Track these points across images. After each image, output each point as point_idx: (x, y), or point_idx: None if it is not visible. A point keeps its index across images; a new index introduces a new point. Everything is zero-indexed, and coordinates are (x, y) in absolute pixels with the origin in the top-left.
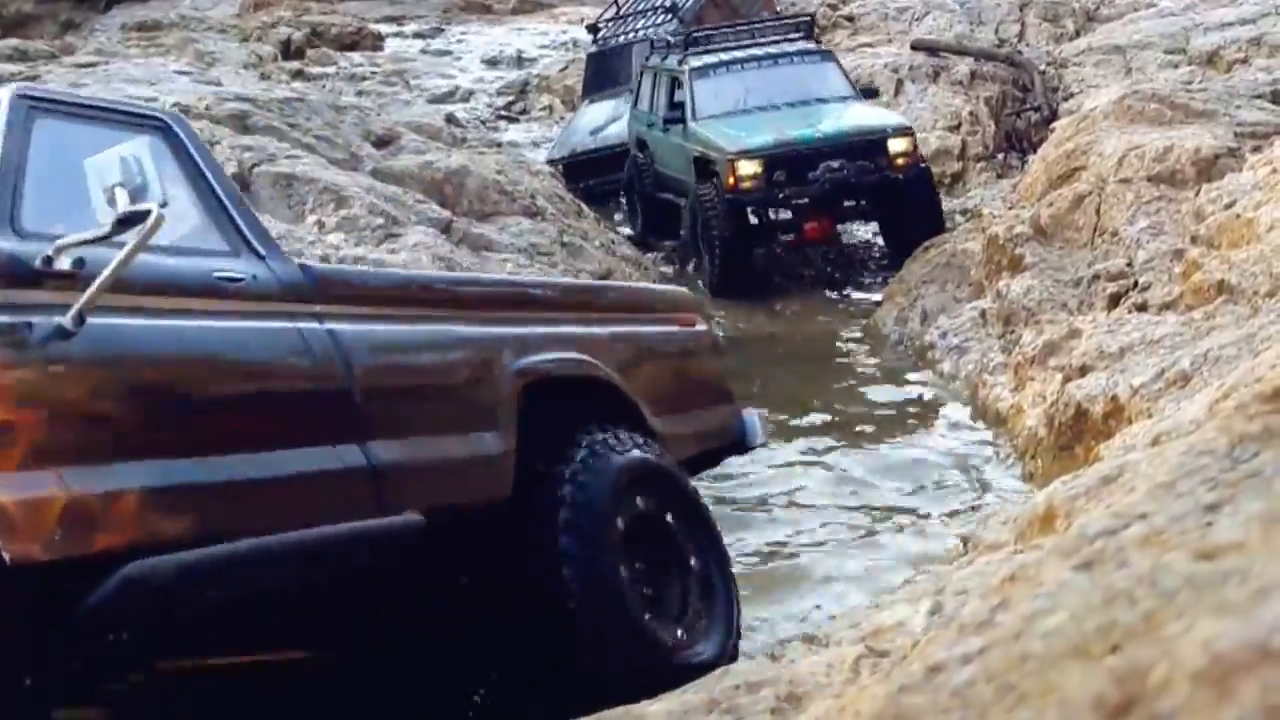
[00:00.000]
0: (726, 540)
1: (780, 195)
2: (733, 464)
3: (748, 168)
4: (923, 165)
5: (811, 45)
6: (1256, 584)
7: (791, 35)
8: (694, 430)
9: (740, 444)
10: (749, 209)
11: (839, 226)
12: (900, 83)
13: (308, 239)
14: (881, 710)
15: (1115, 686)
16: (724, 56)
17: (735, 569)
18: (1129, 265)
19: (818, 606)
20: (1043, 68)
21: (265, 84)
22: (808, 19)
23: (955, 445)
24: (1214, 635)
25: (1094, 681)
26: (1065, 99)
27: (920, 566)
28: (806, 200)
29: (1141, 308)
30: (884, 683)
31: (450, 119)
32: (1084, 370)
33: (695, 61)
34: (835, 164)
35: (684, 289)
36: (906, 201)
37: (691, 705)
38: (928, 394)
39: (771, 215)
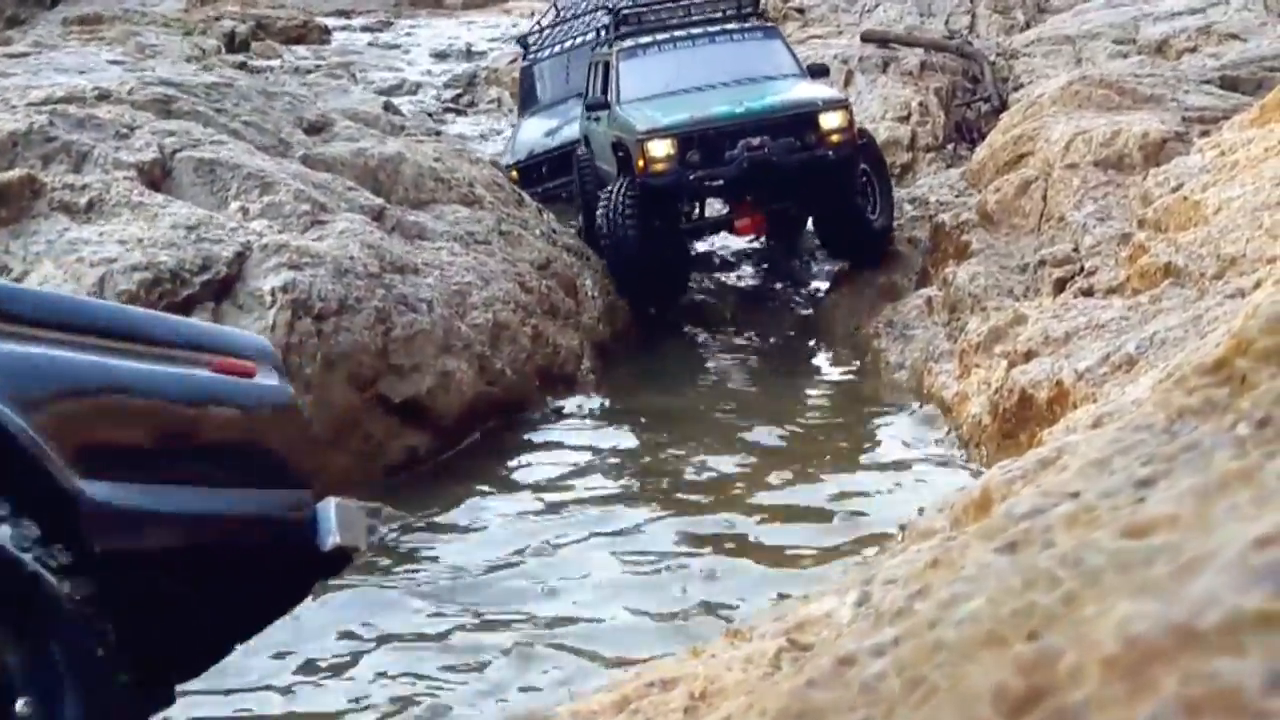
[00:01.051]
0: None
1: (693, 178)
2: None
3: (659, 148)
4: (862, 142)
5: (753, 23)
6: (1185, 559)
7: (731, 12)
8: (193, 510)
9: (304, 544)
10: (671, 202)
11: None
12: (850, 74)
13: (229, 225)
14: (786, 707)
15: (1021, 677)
16: (656, 37)
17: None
18: (1075, 250)
19: (742, 599)
20: (993, 58)
21: (194, 70)
22: None
23: (900, 434)
24: (1131, 617)
25: (999, 671)
26: (1015, 89)
27: (857, 557)
28: (722, 182)
29: (1088, 292)
30: (793, 677)
31: (388, 106)
32: (1029, 356)
33: (624, 43)
34: (755, 141)
35: (253, 334)
36: (840, 184)
37: (602, 705)
38: (872, 383)
39: (703, 211)
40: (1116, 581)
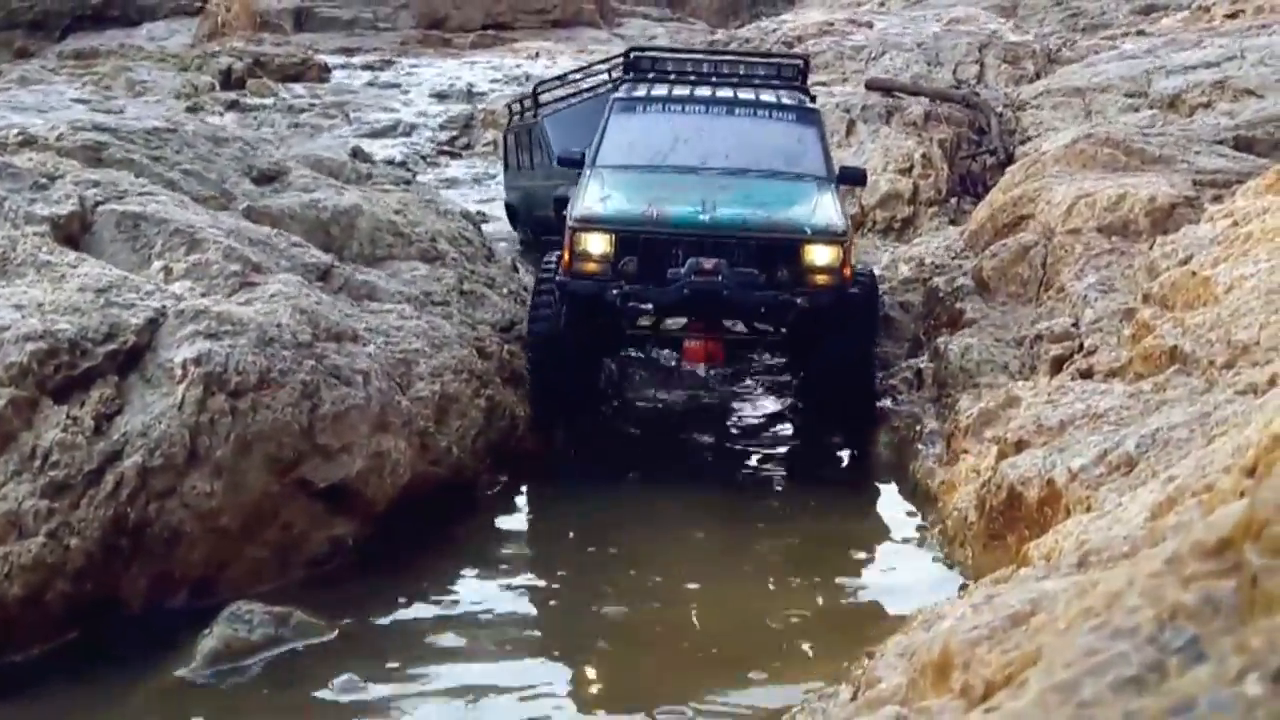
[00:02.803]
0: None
1: (617, 292)
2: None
3: (593, 243)
4: (853, 291)
5: (792, 99)
6: None
7: (770, 75)
8: None
9: None
10: (591, 303)
11: None
12: (852, 123)
13: (145, 288)
14: None
15: None
16: (662, 91)
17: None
18: (1075, 325)
19: None
20: (1000, 109)
21: (142, 111)
22: (800, 61)
23: (877, 522)
24: None
25: None
26: (1023, 142)
27: (810, 692)
28: (650, 307)
29: (1086, 374)
30: None
31: (356, 153)
32: (1020, 446)
33: (625, 91)
34: (708, 264)
35: None
36: (822, 341)
37: None
38: (851, 463)
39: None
40: None
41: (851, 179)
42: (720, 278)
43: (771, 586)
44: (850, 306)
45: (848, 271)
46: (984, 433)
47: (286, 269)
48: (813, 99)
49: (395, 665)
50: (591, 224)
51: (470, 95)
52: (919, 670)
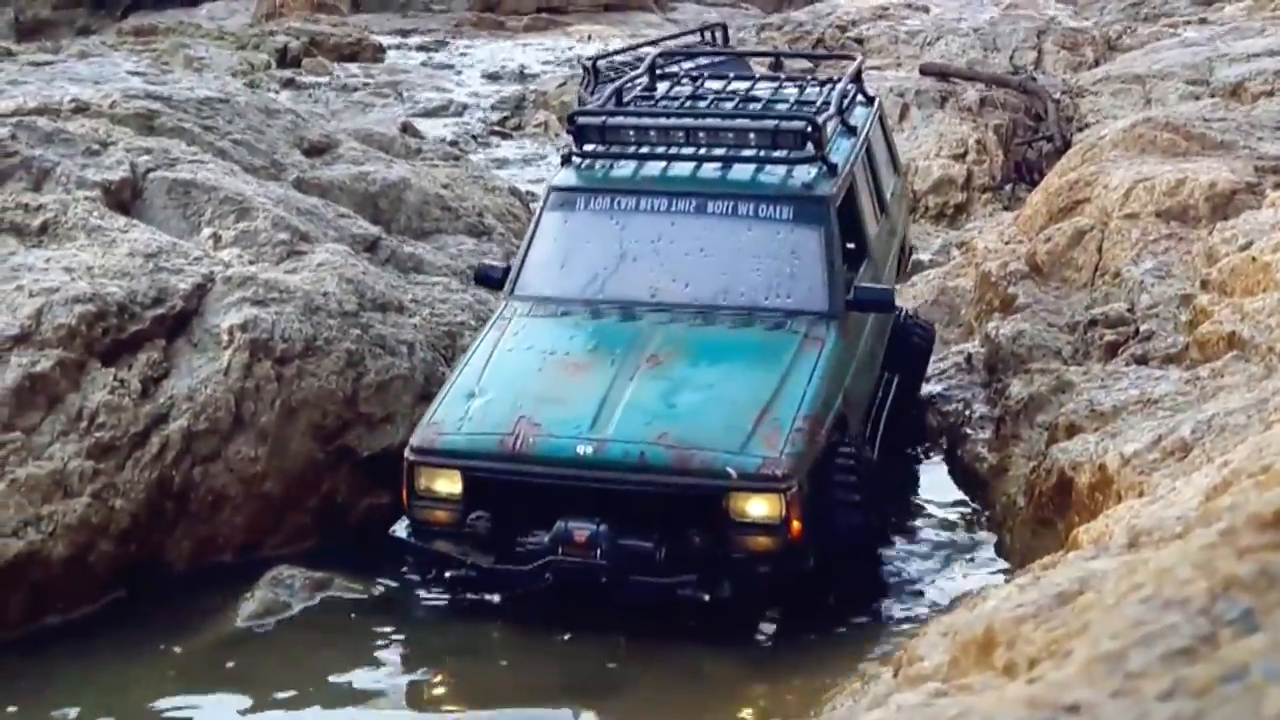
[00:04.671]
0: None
1: (450, 575)
2: None
3: (437, 482)
4: (802, 554)
5: (793, 182)
6: None
7: (763, 144)
8: None
9: None
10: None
11: None
12: (905, 108)
13: (194, 254)
14: None
15: None
16: (619, 171)
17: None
18: (1130, 310)
19: None
20: (1058, 96)
21: (195, 82)
22: (805, 125)
23: (927, 508)
24: None
25: None
26: (1081, 129)
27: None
28: (498, 598)
29: (1141, 360)
30: None
31: (406, 128)
32: (1071, 430)
33: (565, 174)
34: (580, 534)
35: None
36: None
37: None
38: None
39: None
40: None
41: (872, 303)
42: (598, 554)
43: None
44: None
45: (798, 528)
46: (1035, 417)
47: (334, 239)
48: (831, 167)
49: (430, 627)
50: (431, 456)
51: (522, 77)
52: (961, 648)
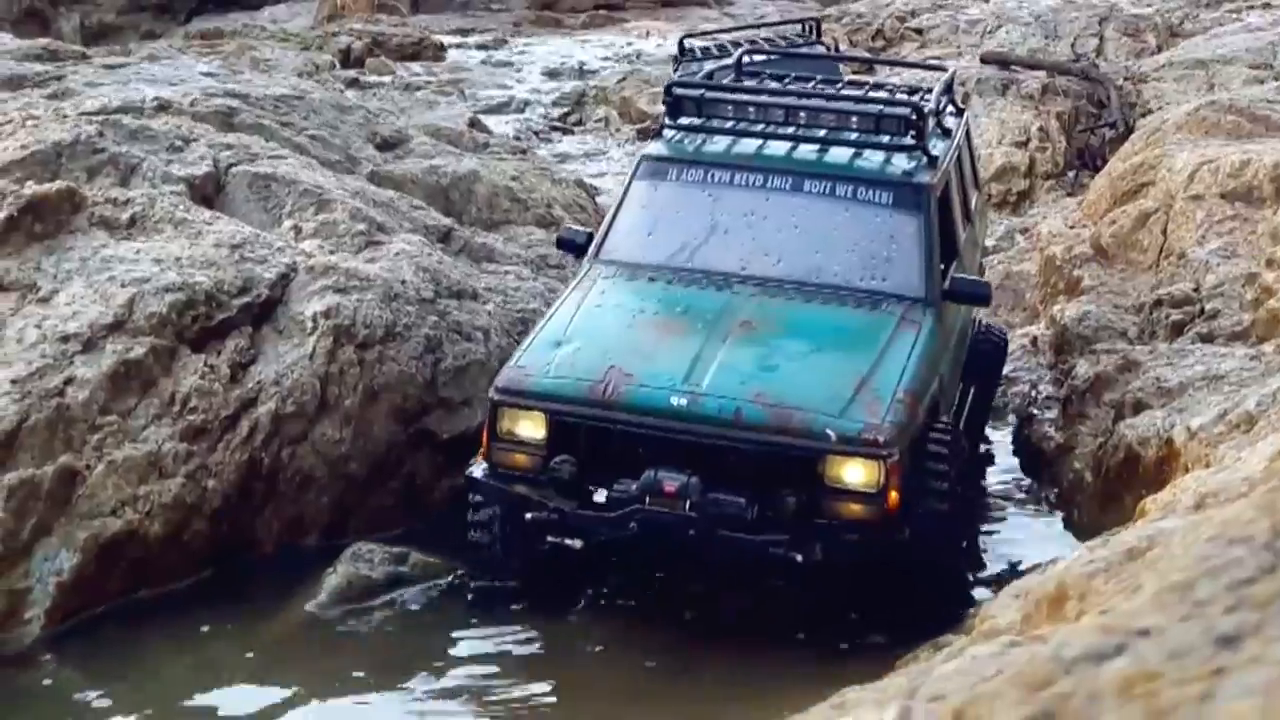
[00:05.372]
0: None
1: (531, 517)
2: None
3: (521, 426)
4: (896, 526)
5: (893, 168)
6: None
7: (868, 130)
8: None
9: None
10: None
11: None
12: (967, 97)
13: (276, 245)
14: None
15: None
16: (712, 146)
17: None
18: (1196, 290)
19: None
20: (1120, 82)
21: (269, 80)
22: (909, 110)
23: (995, 488)
24: None
25: None
26: (1143, 115)
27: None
28: (580, 544)
29: (1207, 338)
30: None
31: (474, 123)
32: (1138, 407)
33: (657, 145)
34: (671, 484)
35: None
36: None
37: None
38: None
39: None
40: None
41: (969, 296)
42: (686, 506)
43: None
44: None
45: (895, 499)
46: (1102, 396)
47: (409, 230)
48: (931, 159)
49: (514, 605)
50: (517, 398)
51: (582, 73)
52: (1034, 605)
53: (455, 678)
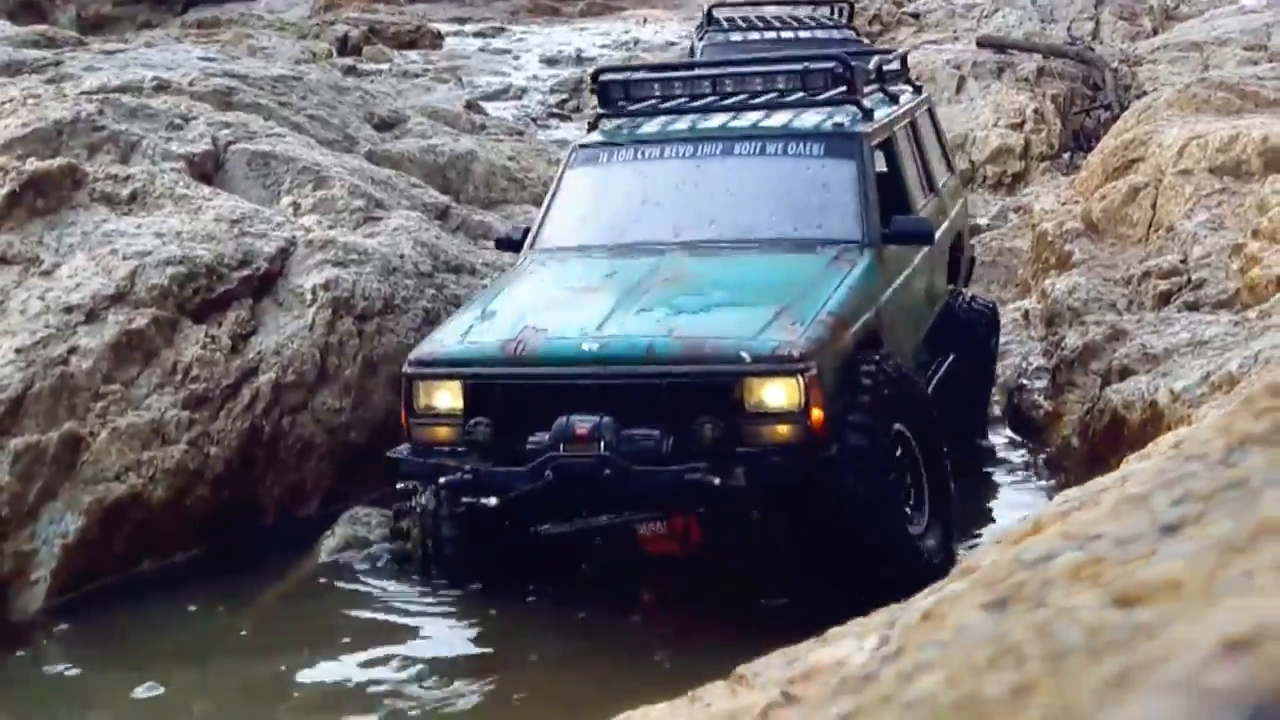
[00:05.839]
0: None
1: (444, 482)
2: None
3: (436, 396)
4: (821, 444)
5: (826, 119)
6: (1155, 651)
7: (791, 86)
8: None
9: None
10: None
11: None
12: (962, 80)
13: (276, 220)
14: None
15: None
16: (643, 128)
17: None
18: (1184, 261)
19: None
20: (1115, 65)
21: (268, 61)
22: (837, 66)
23: (982, 456)
24: None
25: None
26: (1138, 97)
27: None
28: (494, 501)
29: (1193, 306)
30: None
31: (470, 105)
32: (1124, 373)
33: (591, 135)
34: (583, 426)
35: None
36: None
37: None
38: None
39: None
40: (1074, 669)
41: (910, 235)
42: (600, 448)
43: None
44: (834, 468)
45: (819, 416)
46: (1089, 365)
47: (407, 208)
48: (866, 111)
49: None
50: (429, 368)
51: (579, 60)
52: (1013, 542)
53: (445, 642)
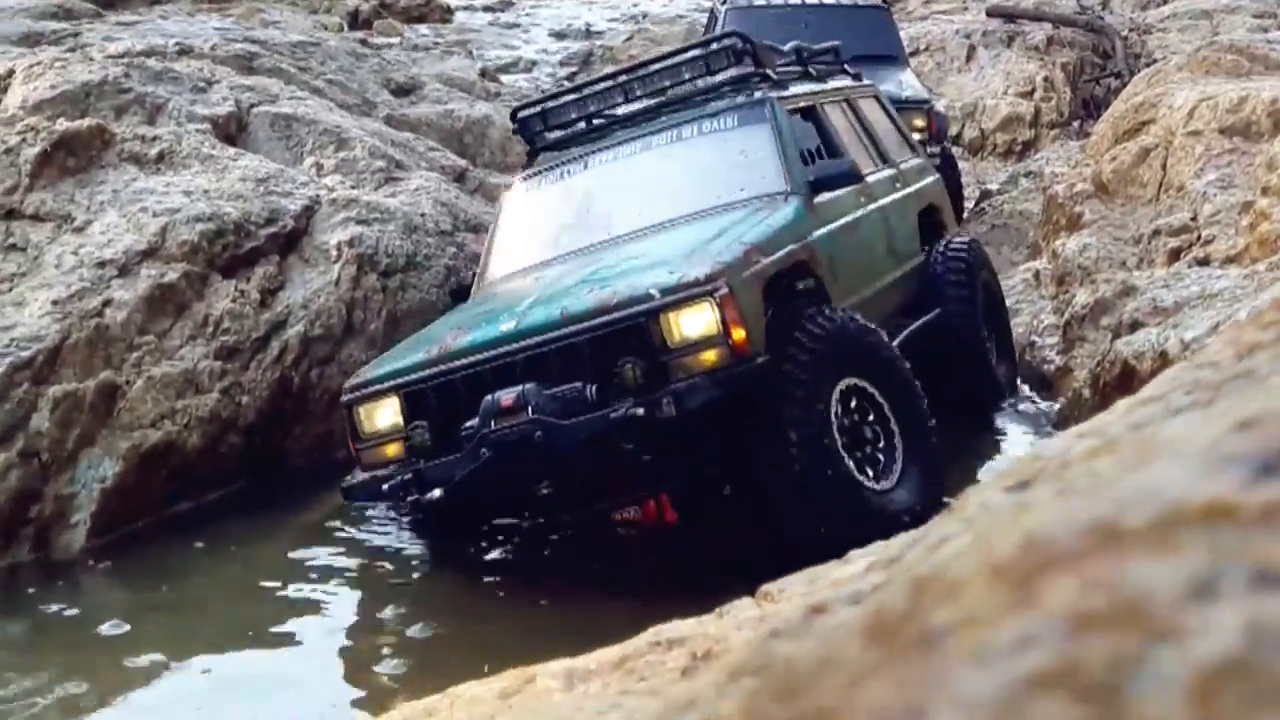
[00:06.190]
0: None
1: (387, 487)
2: None
3: (377, 415)
4: (762, 360)
5: (737, 94)
6: (1174, 435)
7: (708, 73)
8: None
9: None
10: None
11: None
12: (972, 49)
13: (300, 180)
14: (745, 661)
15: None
16: (571, 150)
17: None
18: (1193, 219)
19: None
20: (1125, 33)
21: (286, 28)
22: (735, 40)
23: (997, 415)
24: (1046, 518)
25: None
26: (1148, 65)
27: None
28: (439, 494)
29: (1203, 262)
30: (761, 629)
31: (484, 73)
32: (1135, 326)
33: (524, 173)
34: (507, 397)
35: None
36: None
37: (600, 663)
38: None
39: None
40: (1072, 480)
41: (834, 177)
42: (529, 412)
43: None
44: (776, 381)
45: (741, 335)
46: (1100, 320)
47: (425, 169)
48: (767, 78)
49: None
50: (364, 389)
51: (589, 34)
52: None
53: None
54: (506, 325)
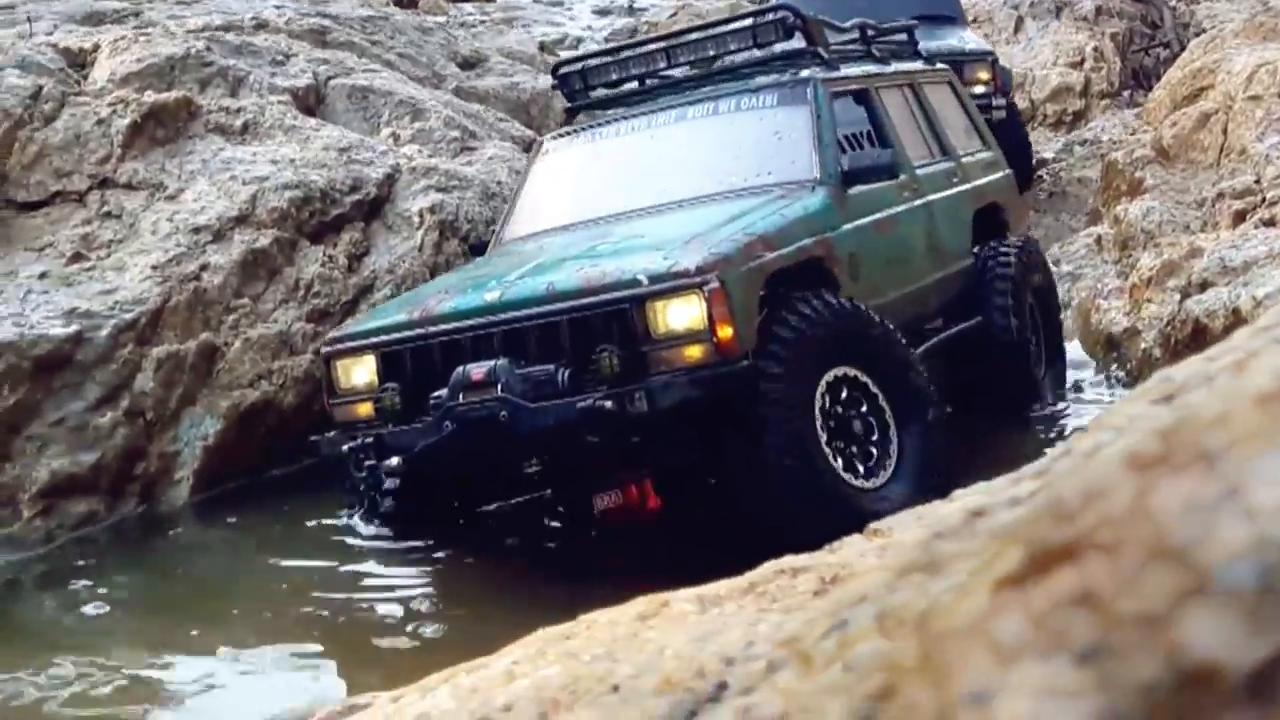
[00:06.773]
0: None
1: (349, 448)
2: None
3: (354, 373)
4: (728, 365)
5: (777, 71)
6: None
7: (754, 45)
8: None
9: None
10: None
11: None
12: (1020, 20)
13: (380, 149)
14: (911, 560)
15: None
16: (607, 112)
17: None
18: (1257, 182)
19: None
20: (1173, 3)
21: (355, 2)
22: (786, 13)
23: (1061, 373)
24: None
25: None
26: (1197, 34)
27: None
28: (398, 466)
29: (1269, 223)
30: (921, 533)
31: (543, 46)
32: (1204, 286)
33: (555, 130)
34: (478, 371)
35: None
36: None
37: (730, 590)
38: None
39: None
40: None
41: (870, 170)
42: (498, 388)
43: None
44: (757, 389)
45: (727, 333)
46: (1166, 282)
47: (497, 139)
48: (818, 56)
49: None
50: (342, 344)
51: (632, 10)
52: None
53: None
54: (491, 295)
